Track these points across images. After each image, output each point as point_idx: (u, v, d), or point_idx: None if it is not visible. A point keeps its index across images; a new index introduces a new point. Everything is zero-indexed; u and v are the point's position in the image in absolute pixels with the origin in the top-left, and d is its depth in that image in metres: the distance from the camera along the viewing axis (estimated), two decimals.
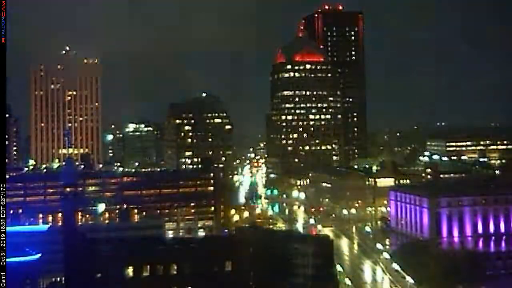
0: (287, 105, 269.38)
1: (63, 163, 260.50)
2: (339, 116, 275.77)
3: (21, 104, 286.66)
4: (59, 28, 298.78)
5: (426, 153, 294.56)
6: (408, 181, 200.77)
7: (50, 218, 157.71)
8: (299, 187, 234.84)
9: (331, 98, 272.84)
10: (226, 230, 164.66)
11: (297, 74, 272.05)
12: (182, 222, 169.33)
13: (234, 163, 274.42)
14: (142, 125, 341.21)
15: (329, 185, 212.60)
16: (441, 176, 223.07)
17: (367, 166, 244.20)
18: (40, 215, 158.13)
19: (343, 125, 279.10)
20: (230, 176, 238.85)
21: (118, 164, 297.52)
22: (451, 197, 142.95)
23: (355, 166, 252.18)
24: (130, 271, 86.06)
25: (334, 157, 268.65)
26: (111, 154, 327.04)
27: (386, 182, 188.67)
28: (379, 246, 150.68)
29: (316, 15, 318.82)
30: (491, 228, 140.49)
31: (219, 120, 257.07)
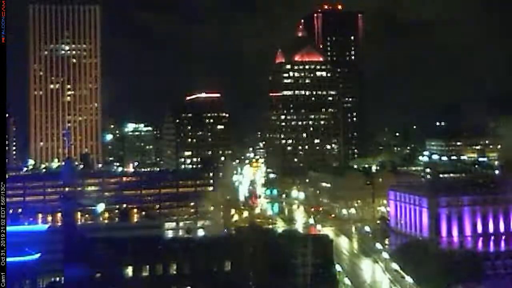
0: (287, 105, 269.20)
1: (63, 163, 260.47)
2: (339, 116, 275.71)
3: (21, 104, 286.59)
4: (58, 28, 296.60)
5: (426, 153, 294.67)
6: (407, 180, 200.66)
7: (49, 218, 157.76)
8: (298, 186, 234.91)
9: (330, 98, 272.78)
10: (225, 230, 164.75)
11: (296, 74, 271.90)
12: (182, 222, 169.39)
13: (234, 163, 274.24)
14: (142, 125, 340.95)
15: (328, 185, 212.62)
16: (441, 176, 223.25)
17: (367, 166, 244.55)
18: (40, 215, 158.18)
19: (342, 125, 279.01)
20: (230, 176, 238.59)
21: (118, 164, 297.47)
22: (450, 196, 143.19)
23: (355, 166, 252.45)
24: (129, 271, 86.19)
25: (334, 157, 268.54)
26: (111, 152, 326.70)
27: (385, 182, 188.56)
28: (378, 245, 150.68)
29: (315, 15, 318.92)
30: (491, 227, 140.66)
31: (219, 120, 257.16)
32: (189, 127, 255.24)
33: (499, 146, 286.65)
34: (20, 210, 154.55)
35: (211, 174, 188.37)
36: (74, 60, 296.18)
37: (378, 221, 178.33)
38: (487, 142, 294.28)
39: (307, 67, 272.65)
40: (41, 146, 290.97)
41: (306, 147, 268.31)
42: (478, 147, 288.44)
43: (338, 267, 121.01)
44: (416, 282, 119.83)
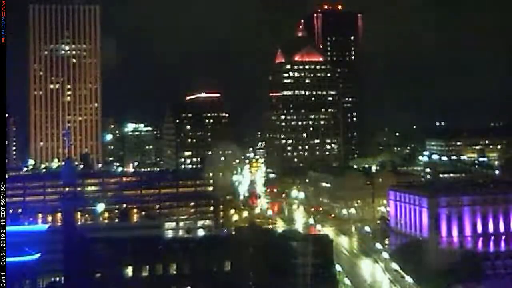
0: (287, 105, 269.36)
1: (63, 163, 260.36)
2: (339, 116, 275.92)
3: (21, 104, 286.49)
4: (58, 28, 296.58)
5: (426, 153, 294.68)
6: (407, 180, 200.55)
7: (49, 218, 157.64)
8: (298, 186, 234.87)
9: (330, 98, 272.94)
10: (225, 230, 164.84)
11: (296, 74, 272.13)
12: (182, 222, 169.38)
13: (234, 163, 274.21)
14: (142, 125, 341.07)
15: (328, 185, 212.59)
16: (441, 175, 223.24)
17: (367, 166, 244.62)
18: (40, 215, 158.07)
19: (342, 125, 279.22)
20: (229, 176, 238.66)
21: (117, 164, 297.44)
22: (450, 196, 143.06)
23: (355, 166, 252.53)
24: (129, 271, 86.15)
25: (334, 157, 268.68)
26: (111, 152, 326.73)
27: (385, 181, 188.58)
28: (378, 245, 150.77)
29: (315, 15, 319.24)
30: (491, 227, 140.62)
31: (219, 120, 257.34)
32: (189, 127, 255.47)
33: (499, 146, 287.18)
34: (20, 210, 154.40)
35: (211, 174, 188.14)
36: (74, 60, 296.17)
37: (378, 221, 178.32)
38: (487, 142, 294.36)
39: (307, 67, 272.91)
40: (41, 146, 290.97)
41: (306, 147, 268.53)
42: (478, 147, 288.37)
43: (338, 267, 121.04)
44: (416, 282, 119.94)
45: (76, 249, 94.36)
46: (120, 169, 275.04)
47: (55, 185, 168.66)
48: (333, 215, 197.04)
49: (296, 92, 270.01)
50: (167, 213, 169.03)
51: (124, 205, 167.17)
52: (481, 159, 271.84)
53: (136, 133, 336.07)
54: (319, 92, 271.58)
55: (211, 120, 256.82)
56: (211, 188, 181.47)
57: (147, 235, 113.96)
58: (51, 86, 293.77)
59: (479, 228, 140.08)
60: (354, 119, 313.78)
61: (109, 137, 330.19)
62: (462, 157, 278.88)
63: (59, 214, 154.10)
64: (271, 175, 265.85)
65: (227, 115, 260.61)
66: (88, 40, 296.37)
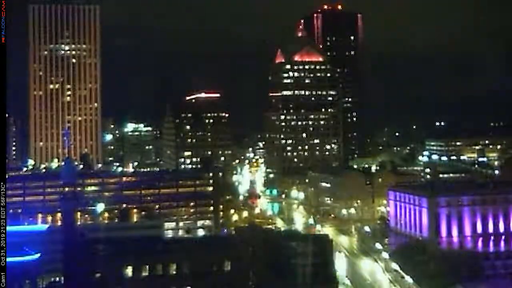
0: (287, 105, 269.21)
1: (62, 163, 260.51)
2: (339, 116, 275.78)
3: (21, 104, 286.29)
4: (58, 28, 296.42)
5: (426, 153, 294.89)
6: (407, 180, 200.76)
7: (49, 218, 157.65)
8: (298, 186, 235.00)
9: (330, 98, 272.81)
10: (225, 230, 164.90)
11: (296, 74, 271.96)
12: (181, 222, 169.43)
13: (233, 163, 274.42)
14: (142, 125, 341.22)
15: (328, 185, 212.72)
16: (440, 176, 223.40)
17: (367, 166, 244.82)
18: (40, 215, 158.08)
19: (342, 125, 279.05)
20: (229, 176, 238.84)
21: (117, 164, 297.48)
22: (450, 197, 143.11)
23: (355, 166, 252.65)
24: (129, 271, 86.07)
25: (334, 157, 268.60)
26: (111, 152, 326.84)
27: (385, 182, 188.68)
28: (378, 245, 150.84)
29: (315, 15, 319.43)
30: (490, 228, 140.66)
31: (219, 120, 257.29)
32: (189, 127, 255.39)
33: (499, 146, 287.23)
34: (20, 210, 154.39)
35: (210, 174, 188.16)
36: (74, 60, 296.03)
37: (378, 221, 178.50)
38: (487, 142, 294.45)
39: (307, 67, 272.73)
40: (41, 146, 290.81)
41: (306, 147, 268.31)
42: (478, 147, 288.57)
43: (337, 267, 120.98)
44: (415, 282, 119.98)
45: (76, 249, 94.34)
46: (120, 169, 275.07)
47: (55, 185, 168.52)
48: (333, 215, 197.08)
49: (296, 92, 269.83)
50: (166, 213, 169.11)
51: (124, 205, 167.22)
52: (481, 159, 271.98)
53: (136, 133, 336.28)
54: (319, 92, 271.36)
55: (211, 120, 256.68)
56: (211, 188, 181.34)
57: (147, 235, 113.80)
58: (51, 86, 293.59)
59: (479, 228, 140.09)
60: (354, 119, 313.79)
61: (109, 137, 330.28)
62: (462, 157, 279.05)
63: (59, 214, 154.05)
64: (271, 175, 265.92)
65: (227, 115, 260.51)
66: (88, 40, 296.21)
